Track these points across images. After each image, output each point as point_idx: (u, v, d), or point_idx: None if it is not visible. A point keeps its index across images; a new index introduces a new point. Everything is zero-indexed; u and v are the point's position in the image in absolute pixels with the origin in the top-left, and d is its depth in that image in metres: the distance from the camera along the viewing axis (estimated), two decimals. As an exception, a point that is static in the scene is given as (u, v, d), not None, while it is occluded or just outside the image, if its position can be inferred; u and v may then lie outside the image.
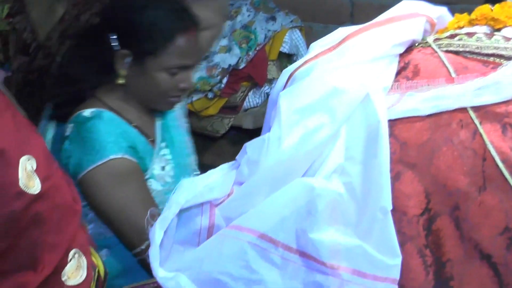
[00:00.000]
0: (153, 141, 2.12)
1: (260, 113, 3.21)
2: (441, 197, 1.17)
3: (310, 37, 3.22)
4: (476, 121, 1.17)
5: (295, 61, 3.02)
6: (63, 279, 1.25)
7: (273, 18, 3.01)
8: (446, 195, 1.17)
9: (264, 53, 3.14)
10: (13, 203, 1.18)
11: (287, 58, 3.24)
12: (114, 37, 2.07)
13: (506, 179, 1.14)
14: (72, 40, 2.37)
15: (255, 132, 2.43)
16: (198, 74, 2.96)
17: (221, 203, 1.28)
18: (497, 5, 1.29)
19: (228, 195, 1.29)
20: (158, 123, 2.18)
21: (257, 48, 3.05)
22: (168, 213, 1.28)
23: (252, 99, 3.23)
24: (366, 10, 3.31)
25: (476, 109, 1.17)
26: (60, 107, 2.27)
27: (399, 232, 1.17)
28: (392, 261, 1.15)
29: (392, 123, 1.20)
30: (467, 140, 1.17)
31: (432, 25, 1.33)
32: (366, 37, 1.29)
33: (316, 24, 3.40)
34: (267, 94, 3.20)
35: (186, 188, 1.32)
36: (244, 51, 3.05)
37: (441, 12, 1.36)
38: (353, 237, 1.17)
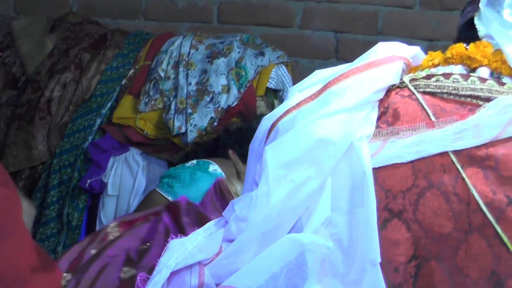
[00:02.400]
0: None
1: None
2: (428, 242, 1.16)
3: (296, 72, 3.25)
4: (458, 165, 1.17)
5: (281, 96, 3.03)
6: None
7: (262, 54, 3.02)
8: (432, 241, 1.16)
9: (252, 89, 3.14)
10: None
11: (273, 94, 3.25)
12: None
13: (491, 223, 1.13)
14: None
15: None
16: (208, 115, 2.97)
17: (210, 262, 1.28)
18: (472, 44, 1.29)
19: (217, 254, 1.28)
20: None
21: (247, 85, 3.07)
22: (159, 278, 1.28)
23: (241, 135, 3.24)
24: (351, 46, 3.34)
25: (457, 153, 1.17)
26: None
27: (385, 280, 1.15)
28: None
29: (376, 170, 1.20)
30: (451, 185, 1.16)
31: (408, 65, 1.32)
32: (347, 84, 1.28)
33: (302, 59, 3.44)
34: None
35: (175, 250, 1.31)
36: (237, 89, 3.07)
37: (415, 51, 1.35)
38: None
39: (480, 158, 1.16)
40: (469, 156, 1.16)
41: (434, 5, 3.22)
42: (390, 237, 1.17)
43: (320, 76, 1.34)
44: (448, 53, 1.30)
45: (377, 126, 1.25)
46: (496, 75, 1.24)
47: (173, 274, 1.29)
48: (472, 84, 1.23)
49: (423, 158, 1.18)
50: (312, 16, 3.41)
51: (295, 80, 3.01)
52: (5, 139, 2.98)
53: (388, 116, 1.25)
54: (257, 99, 3.11)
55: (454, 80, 1.24)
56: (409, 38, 3.16)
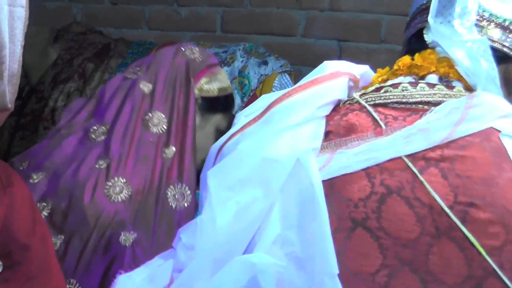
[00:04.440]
0: None
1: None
2: (398, 250, 1.14)
3: (299, 81, 3.26)
4: (414, 169, 1.15)
5: (284, 105, 3.06)
6: None
7: (265, 63, 3.03)
8: (402, 248, 1.13)
9: (256, 98, 3.14)
10: None
11: (277, 102, 3.26)
12: None
13: (457, 226, 1.12)
14: None
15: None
16: None
17: None
18: (417, 54, 1.29)
19: (168, 285, 1.25)
20: None
21: (251, 94, 3.07)
22: None
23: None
24: (354, 54, 3.34)
25: (411, 157, 1.16)
26: None
27: None
28: None
29: (331, 181, 1.18)
30: (410, 190, 1.15)
31: (355, 81, 1.31)
32: (290, 103, 1.27)
33: (305, 68, 3.44)
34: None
35: (123, 285, 1.29)
36: (240, 98, 3.07)
37: (364, 69, 1.36)
38: None
39: (435, 160, 1.14)
40: (424, 159, 1.15)
41: (436, 13, 3.22)
42: (356, 247, 1.15)
43: (266, 100, 1.33)
44: (395, 66, 1.31)
45: (327, 140, 1.23)
46: (445, 80, 1.24)
47: None
48: (421, 90, 1.22)
49: (376, 165, 1.16)
50: (315, 24, 3.41)
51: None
52: (9, 149, 2.99)
53: (339, 129, 1.24)
54: (260, 107, 3.11)
55: (403, 89, 1.24)
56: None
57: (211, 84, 2.01)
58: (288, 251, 1.16)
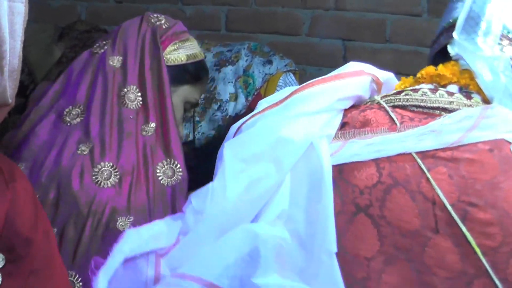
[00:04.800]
0: None
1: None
2: (396, 239, 1.18)
3: (304, 80, 3.25)
4: (423, 166, 1.19)
5: (289, 104, 3.06)
6: None
7: (270, 62, 3.02)
8: (400, 237, 1.18)
9: (260, 97, 3.14)
10: None
11: (281, 101, 3.26)
12: None
13: (456, 223, 1.15)
14: None
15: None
16: (216, 123, 2.98)
17: (166, 253, 1.29)
18: (440, 65, 1.34)
19: (174, 245, 1.30)
20: None
21: (255, 93, 3.07)
22: (112, 262, 1.29)
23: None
24: (359, 54, 3.34)
25: (421, 154, 1.21)
26: None
27: (349, 274, 1.18)
28: None
29: (341, 166, 1.24)
30: (416, 184, 1.19)
31: (379, 84, 1.37)
32: (311, 92, 1.34)
33: (310, 67, 3.44)
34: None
35: (130, 238, 1.32)
36: (244, 97, 3.07)
37: (388, 75, 1.42)
38: (298, 281, 1.18)
39: (445, 159, 1.18)
40: (433, 158, 1.19)
41: (442, 13, 3.21)
42: (356, 231, 1.19)
43: (290, 90, 1.39)
44: (418, 74, 1.36)
45: (342, 130, 1.29)
46: (465, 90, 1.29)
47: (129, 262, 1.30)
48: (440, 97, 1.27)
49: (386, 158, 1.21)
50: (319, 24, 3.41)
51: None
52: (13, 146, 2.98)
53: (355, 123, 1.29)
54: (265, 106, 3.11)
55: (423, 93, 1.29)
56: (417, 45, 3.15)
57: (177, 52, 1.91)
58: (291, 228, 1.21)
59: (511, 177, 1.15)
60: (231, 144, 1.32)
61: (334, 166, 1.23)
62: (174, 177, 1.76)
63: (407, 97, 1.30)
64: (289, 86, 3.11)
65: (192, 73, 1.93)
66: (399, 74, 3.37)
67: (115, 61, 1.82)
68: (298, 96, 1.34)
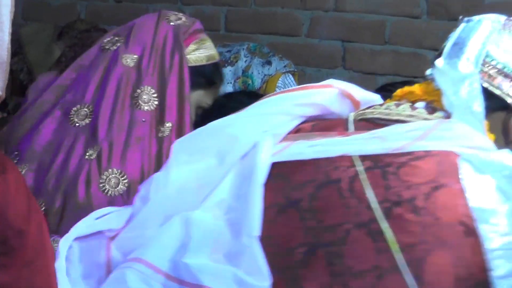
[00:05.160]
0: None
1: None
2: (319, 232, 1.24)
3: (303, 81, 3.25)
4: (359, 168, 1.25)
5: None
6: None
7: (269, 63, 3.02)
8: (323, 230, 1.24)
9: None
10: None
11: (280, 102, 3.26)
12: None
13: (377, 220, 1.21)
14: None
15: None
16: None
17: (116, 235, 1.39)
18: (416, 84, 1.40)
19: (123, 228, 1.39)
20: None
21: (254, 94, 3.07)
22: (67, 237, 1.41)
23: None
24: (358, 55, 3.34)
25: (362, 157, 1.26)
26: None
27: (276, 261, 1.24)
28: (260, 283, 1.23)
29: (281, 164, 1.31)
30: (348, 183, 1.25)
31: (354, 102, 1.41)
32: (274, 97, 1.46)
33: (309, 68, 3.44)
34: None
35: (83, 220, 1.45)
36: (243, 98, 3.07)
37: (373, 97, 1.46)
38: (225, 263, 1.26)
39: (383, 163, 1.24)
40: (373, 161, 1.25)
41: (441, 14, 3.21)
42: (284, 222, 1.27)
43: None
44: (394, 93, 1.42)
45: (294, 133, 1.37)
46: (430, 106, 1.34)
47: (84, 245, 1.40)
48: (402, 110, 1.33)
49: (326, 158, 1.28)
50: (319, 25, 3.41)
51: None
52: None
53: (309, 128, 1.38)
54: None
55: (387, 107, 1.34)
56: (416, 47, 3.16)
57: (198, 52, 1.82)
58: (230, 217, 1.30)
59: (446, 185, 1.20)
60: (181, 140, 1.44)
61: (275, 163, 1.31)
62: None
63: (373, 110, 1.35)
64: (288, 87, 3.11)
65: (207, 76, 1.84)
66: (398, 75, 3.37)
67: (128, 59, 1.72)
68: (262, 100, 1.45)
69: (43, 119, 1.69)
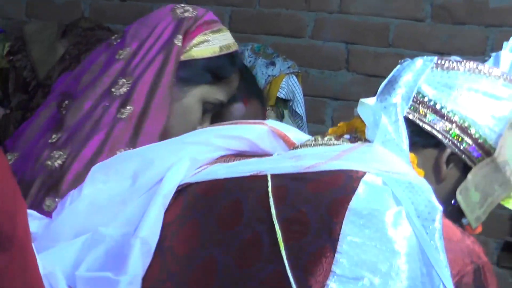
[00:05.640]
0: None
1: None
2: (214, 236, 1.29)
3: (307, 82, 3.25)
4: (269, 184, 1.28)
5: (291, 106, 3.05)
6: None
7: (273, 63, 3.02)
8: (218, 234, 1.29)
9: (263, 99, 3.16)
10: None
11: (283, 104, 3.27)
12: None
13: (273, 220, 1.23)
14: None
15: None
16: None
17: (34, 239, 1.38)
18: (353, 119, 1.42)
19: (37, 234, 1.42)
20: None
21: (258, 94, 3.07)
22: None
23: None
24: (362, 57, 3.34)
25: (274, 176, 1.29)
26: None
27: (167, 270, 1.30)
28: (118, 277, 1.28)
29: (195, 184, 1.36)
30: (254, 195, 1.29)
31: (289, 143, 1.42)
32: (201, 130, 1.54)
33: (313, 70, 3.44)
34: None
35: None
36: (247, 98, 3.07)
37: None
38: (105, 271, 1.30)
39: (293, 178, 1.28)
40: (283, 178, 1.28)
41: (445, 18, 3.22)
42: (186, 233, 1.32)
43: None
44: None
45: (216, 161, 1.41)
46: (353, 136, 1.37)
47: None
48: (328, 140, 1.36)
49: (240, 177, 1.32)
50: (323, 26, 3.41)
51: (305, 90, 3.02)
52: (14, 142, 2.99)
53: (231, 157, 1.41)
54: (267, 109, 3.11)
55: (314, 139, 1.38)
56: (419, 51, 3.16)
57: (207, 43, 1.76)
58: (127, 231, 1.34)
59: (343, 193, 1.22)
60: (102, 163, 1.48)
61: (193, 183, 1.36)
62: None
63: (302, 143, 1.38)
64: (291, 88, 3.11)
65: (213, 71, 1.76)
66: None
67: (123, 54, 1.71)
68: (194, 131, 1.52)
69: (40, 110, 1.74)
